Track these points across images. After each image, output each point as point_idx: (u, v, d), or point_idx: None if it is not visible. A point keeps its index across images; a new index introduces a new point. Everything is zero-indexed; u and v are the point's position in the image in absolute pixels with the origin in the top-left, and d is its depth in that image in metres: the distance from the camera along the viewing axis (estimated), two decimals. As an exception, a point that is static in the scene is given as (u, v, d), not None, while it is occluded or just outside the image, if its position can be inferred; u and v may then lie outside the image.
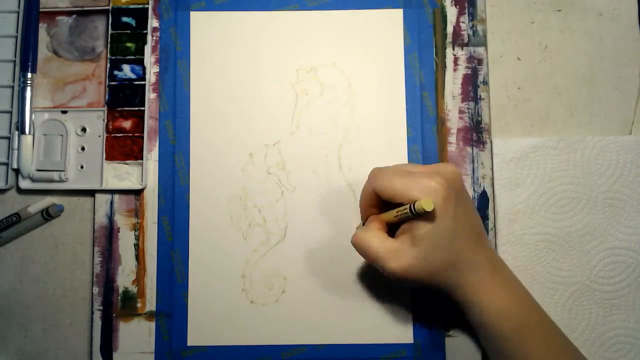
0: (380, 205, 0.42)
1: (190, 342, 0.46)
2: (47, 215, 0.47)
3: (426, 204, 0.37)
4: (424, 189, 0.38)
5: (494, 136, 0.48)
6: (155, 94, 0.48)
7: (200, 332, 0.46)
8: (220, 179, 0.47)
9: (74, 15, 0.49)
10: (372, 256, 0.40)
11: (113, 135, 0.47)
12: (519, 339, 0.39)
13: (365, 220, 0.43)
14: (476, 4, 0.48)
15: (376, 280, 0.46)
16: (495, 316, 0.39)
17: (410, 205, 0.38)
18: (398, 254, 0.39)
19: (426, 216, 0.38)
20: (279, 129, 0.48)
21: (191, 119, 0.48)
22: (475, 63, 0.48)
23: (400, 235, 0.40)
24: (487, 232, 0.46)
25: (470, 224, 0.40)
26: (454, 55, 0.48)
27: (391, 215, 0.40)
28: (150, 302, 0.46)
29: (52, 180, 0.47)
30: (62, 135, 0.48)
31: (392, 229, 0.42)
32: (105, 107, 0.48)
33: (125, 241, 0.47)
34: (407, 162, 0.47)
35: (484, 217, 0.46)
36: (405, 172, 0.40)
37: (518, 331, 0.39)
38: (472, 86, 0.48)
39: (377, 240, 0.40)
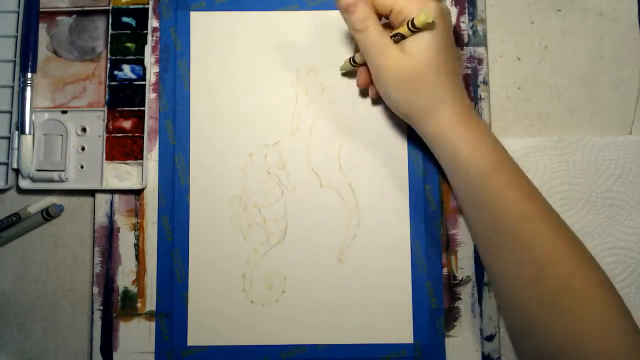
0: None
1: (190, 342, 0.46)
2: (47, 215, 0.47)
3: (426, 16, 0.37)
4: (419, 2, 0.39)
5: (494, 136, 0.48)
6: (155, 94, 0.48)
7: (200, 332, 0.46)
8: (220, 179, 0.47)
9: (74, 15, 0.49)
10: (367, 44, 0.41)
11: (113, 135, 0.47)
12: (491, 173, 0.39)
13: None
14: (476, 4, 0.48)
15: (376, 281, 0.46)
16: (470, 150, 0.40)
17: (408, 23, 0.39)
18: (387, 52, 0.40)
19: (422, 30, 0.39)
20: (279, 129, 0.48)
21: (191, 119, 0.48)
22: (475, 63, 0.48)
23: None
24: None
25: (454, 58, 0.41)
26: (454, 55, 0.48)
27: (388, 32, 0.41)
28: (150, 302, 0.46)
29: (52, 180, 0.47)
30: (62, 135, 0.48)
31: None
32: (105, 107, 0.48)
33: (125, 241, 0.47)
34: (407, 165, 0.47)
35: (484, 217, 0.46)
36: None
37: (491, 166, 0.40)
38: (472, 86, 0.48)
39: (377, 31, 0.40)
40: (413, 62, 0.40)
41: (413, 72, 0.40)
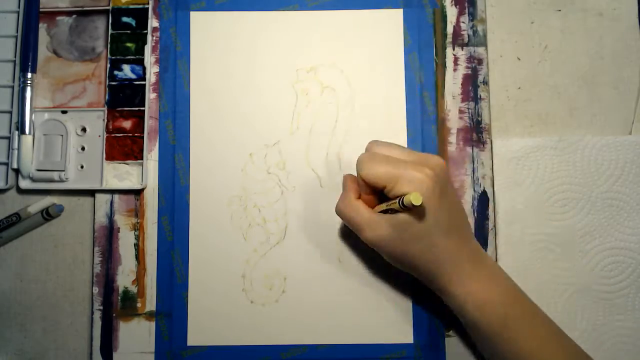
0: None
1: (190, 342, 0.46)
2: (47, 215, 0.47)
3: (415, 199, 0.36)
4: (410, 180, 0.38)
5: (494, 136, 0.48)
6: (155, 94, 0.48)
7: (200, 332, 0.46)
8: (220, 179, 0.47)
9: (74, 15, 0.49)
10: (353, 225, 0.41)
11: (113, 135, 0.47)
12: (502, 329, 0.39)
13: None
14: (476, 4, 0.48)
15: (376, 280, 0.46)
16: (476, 308, 0.39)
17: (399, 200, 0.38)
18: (375, 226, 0.40)
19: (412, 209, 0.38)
20: (279, 129, 0.48)
21: (191, 119, 0.48)
22: (475, 63, 0.48)
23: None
24: (487, 232, 0.46)
25: (452, 217, 0.40)
26: (454, 55, 0.48)
27: (383, 206, 0.40)
28: (150, 302, 0.46)
29: (52, 180, 0.47)
30: (62, 135, 0.48)
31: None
32: (105, 107, 0.48)
33: (125, 241, 0.47)
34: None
35: (484, 217, 0.46)
36: (392, 160, 0.39)
37: (501, 322, 0.39)
38: (472, 86, 0.48)
39: (358, 210, 0.41)
40: (401, 241, 0.39)
41: (403, 248, 0.40)
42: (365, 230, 0.40)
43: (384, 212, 0.40)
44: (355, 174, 0.42)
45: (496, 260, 0.46)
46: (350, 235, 0.46)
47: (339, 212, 0.42)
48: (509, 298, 0.40)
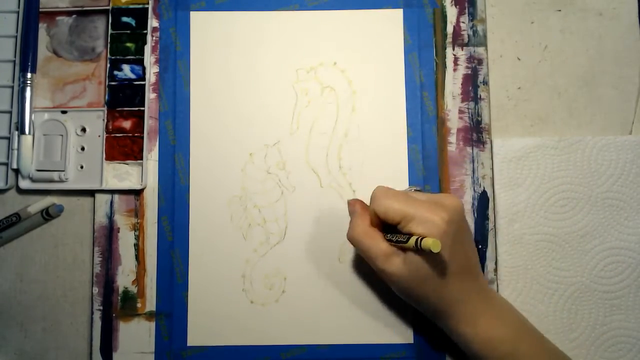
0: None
1: (190, 342, 0.46)
2: (47, 215, 0.47)
3: (434, 246, 0.36)
4: (424, 222, 0.38)
5: (494, 136, 0.48)
6: (155, 94, 0.48)
7: (200, 332, 0.46)
8: (220, 179, 0.47)
9: (74, 15, 0.49)
10: (366, 255, 0.41)
11: (113, 135, 0.47)
12: None
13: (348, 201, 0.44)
14: (476, 4, 0.48)
15: (376, 281, 0.46)
16: (484, 345, 0.39)
17: (416, 240, 0.37)
18: (388, 260, 0.40)
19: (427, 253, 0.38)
20: (279, 129, 0.48)
21: (191, 119, 0.48)
22: (475, 63, 0.48)
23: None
24: (487, 232, 0.46)
25: (464, 258, 0.40)
26: (454, 55, 0.48)
27: (394, 237, 0.40)
28: (150, 302, 0.46)
29: (52, 180, 0.47)
30: (62, 135, 0.48)
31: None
32: (105, 107, 0.48)
33: (125, 241, 0.47)
34: (407, 164, 0.47)
35: (484, 217, 0.46)
36: (407, 198, 0.39)
37: (509, 358, 0.39)
38: (472, 86, 0.48)
39: (373, 241, 0.40)
40: (415, 278, 0.39)
41: (414, 285, 0.39)
42: (379, 262, 0.40)
43: (392, 242, 0.40)
44: (360, 197, 0.43)
45: (496, 260, 0.46)
46: (350, 235, 0.46)
47: (353, 239, 0.41)
48: (517, 334, 0.40)
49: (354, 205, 0.43)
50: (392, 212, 0.39)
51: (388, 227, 0.41)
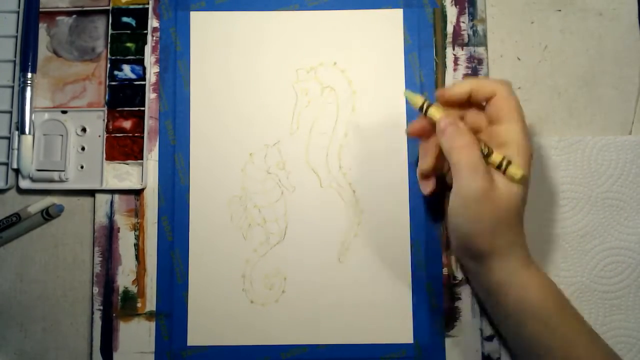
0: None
1: (190, 342, 0.46)
2: (47, 215, 0.47)
3: (521, 178, 0.37)
4: (523, 147, 0.38)
5: (494, 136, 0.48)
6: (155, 94, 0.48)
7: (200, 332, 0.46)
8: (220, 179, 0.47)
9: (74, 15, 0.49)
10: (456, 159, 0.38)
11: (113, 135, 0.47)
12: (558, 321, 0.38)
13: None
14: (476, 4, 0.48)
15: (376, 281, 0.46)
16: (538, 293, 0.39)
17: (503, 164, 0.38)
18: (478, 172, 0.37)
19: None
20: (279, 129, 0.48)
21: (191, 119, 0.48)
22: (475, 63, 0.48)
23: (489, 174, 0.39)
24: (487, 232, 0.46)
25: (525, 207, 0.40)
26: (454, 55, 0.48)
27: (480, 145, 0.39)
28: (150, 302, 0.46)
29: (52, 180, 0.47)
30: (62, 135, 0.48)
31: None
32: (105, 107, 0.48)
33: (125, 241, 0.47)
34: (407, 164, 0.47)
35: (484, 217, 0.46)
36: (522, 113, 0.40)
37: (558, 312, 0.39)
38: (472, 86, 0.48)
39: (469, 148, 0.38)
40: (499, 202, 0.38)
41: (495, 211, 0.38)
42: (466, 171, 0.37)
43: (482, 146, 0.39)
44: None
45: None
46: (350, 234, 0.46)
47: (454, 163, 0.38)
48: (560, 293, 0.40)
49: (455, 127, 0.39)
50: (462, 86, 0.40)
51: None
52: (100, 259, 0.47)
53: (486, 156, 0.38)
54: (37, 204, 0.47)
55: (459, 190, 0.38)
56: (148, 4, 0.48)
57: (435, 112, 0.40)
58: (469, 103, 0.41)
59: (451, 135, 0.38)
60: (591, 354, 0.38)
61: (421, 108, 0.40)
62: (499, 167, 0.38)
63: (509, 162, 0.38)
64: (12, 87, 0.48)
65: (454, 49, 0.48)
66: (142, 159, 0.47)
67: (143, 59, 0.48)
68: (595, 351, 0.39)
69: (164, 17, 0.49)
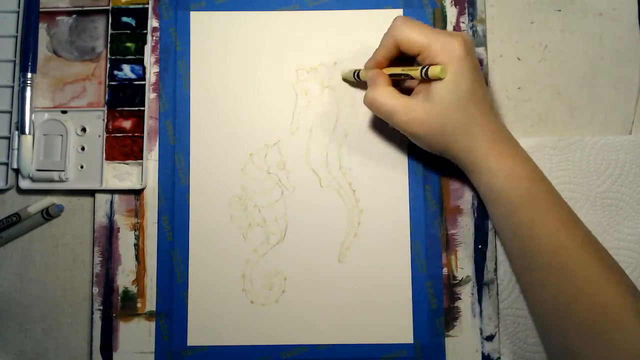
0: (391, 62, 0.43)
1: (190, 342, 0.46)
2: (47, 215, 0.47)
3: (441, 71, 0.39)
4: (444, 44, 0.39)
5: (494, 136, 0.48)
6: (155, 94, 0.48)
7: (200, 332, 0.46)
8: (220, 179, 0.47)
9: (74, 15, 0.49)
10: (384, 111, 0.42)
11: (113, 135, 0.47)
12: (526, 202, 0.40)
13: (364, 73, 0.45)
14: (476, 4, 0.48)
15: (376, 281, 0.46)
16: (504, 179, 0.40)
17: (422, 69, 0.40)
18: (409, 108, 0.41)
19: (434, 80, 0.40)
20: (279, 129, 0.48)
21: (191, 119, 0.48)
22: (475, 63, 0.48)
23: (415, 94, 0.42)
24: (487, 232, 0.46)
25: (483, 91, 0.41)
26: (454, 55, 0.48)
27: (397, 69, 0.42)
28: (150, 302, 0.46)
29: (52, 180, 0.47)
30: (62, 135, 0.48)
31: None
32: (105, 107, 0.48)
33: (125, 241, 0.47)
34: (407, 164, 0.47)
35: (484, 217, 0.46)
36: (426, 27, 0.41)
37: (525, 195, 0.40)
38: (472, 86, 0.48)
39: (389, 95, 0.42)
40: (440, 110, 0.40)
41: (441, 119, 0.40)
42: (399, 114, 0.41)
43: (396, 76, 0.42)
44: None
45: (496, 260, 0.46)
46: (350, 234, 0.46)
47: (371, 100, 0.43)
48: (533, 175, 0.41)
49: (372, 73, 0.43)
50: (413, 39, 0.40)
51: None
52: (100, 259, 0.47)
53: (411, 78, 0.41)
54: (37, 204, 0.47)
55: (398, 126, 0.42)
56: (148, 4, 0.48)
57: (363, 73, 0.45)
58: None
59: (369, 81, 0.44)
60: (560, 235, 0.39)
61: (355, 76, 0.46)
62: (423, 77, 0.40)
63: (427, 67, 0.40)
64: (12, 87, 0.48)
65: (454, 49, 0.48)
66: (142, 159, 0.47)
67: (143, 59, 0.48)
68: (563, 232, 0.39)
69: (164, 17, 0.49)
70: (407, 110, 0.41)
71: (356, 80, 0.46)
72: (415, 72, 0.40)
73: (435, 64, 0.39)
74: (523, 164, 0.41)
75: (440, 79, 0.39)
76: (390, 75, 0.43)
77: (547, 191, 0.41)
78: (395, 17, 0.42)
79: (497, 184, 0.40)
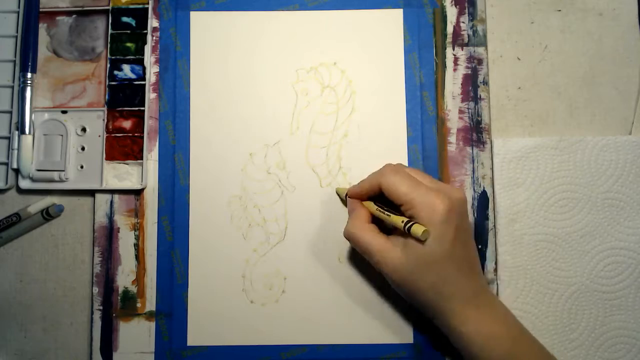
0: (374, 198, 0.43)
1: (190, 342, 0.46)
2: (47, 215, 0.47)
3: (423, 234, 0.37)
4: (427, 204, 0.38)
5: (494, 136, 0.48)
6: (155, 94, 0.48)
7: (200, 332, 0.46)
8: (220, 179, 0.47)
9: (74, 15, 0.49)
10: (360, 247, 0.41)
11: (113, 135, 0.47)
12: None
13: (347, 199, 0.44)
14: (476, 4, 0.48)
15: (376, 281, 0.46)
16: (482, 344, 0.39)
17: (405, 224, 0.38)
18: (386, 251, 0.40)
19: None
20: (279, 129, 0.48)
21: (191, 119, 0.48)
22: (475, 63, 0.48)
23: (395, 235, 0.41)
24: (487, 232, 0.46)
25: (465, 253, 0.40)
26: (454, 55, 0.48)
27: (382, 213, 0.41)
28: (150, 302, 0.46)
29: (52, 180, 0.47)
30: (62, 135, 0.48)
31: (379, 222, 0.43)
32: (105, 107, 0.48)
33: (125, 241, 0.47)
34: (407, 162, 0.47)
35: (484, 217, 0.46)
36: (415, 181, 0.40)
37: (506, 356, 0.39)
38: (472, 86, 0.48)
39: (366, 232, 0.41)
40: (414, 266, 0.39)
41: (414, 276, 0.39)
42: (376, 255, 0.40)
43: (382, 211, 0.41)
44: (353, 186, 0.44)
45: (496, 260, 0.46)
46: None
47: (350, 235, 0.42)
48: (514, 334, 0.40)
49: (352, 203, 0.43)
50: (398, 191, 0.39)
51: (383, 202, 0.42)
52: (100, 259, 0.47)
53: (391, 220, 0.40)
54: (37, 204, 0.47)
55: (386, 272, 0.40)
56: (148, 4, 0.48)
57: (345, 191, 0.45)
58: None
59: (349, 210, 0.44)
60: None
61: (345, 195, 0.45)
62: (406, 232, 0.38)
63: (411, 223, 0.38)
64: (12, 87, 0.48)
65: (453, 49, 0.48)
66: (142, 159, 0.47)
67: (143, 59, 0.48)
68: None
69: (163, 17, 0.49)
70: (383, 253, 0.40)
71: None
72: (399, 222, 0.39)
73: (418, 220, 0.38)
74: (503, 322, 0.40)
75: (421, 241, 0.38)
76: (373, 212, 0.42)
77: (529, 351, 0.40)
78: (386, 164, 0.42)
79: (475, 346, 0.39)
